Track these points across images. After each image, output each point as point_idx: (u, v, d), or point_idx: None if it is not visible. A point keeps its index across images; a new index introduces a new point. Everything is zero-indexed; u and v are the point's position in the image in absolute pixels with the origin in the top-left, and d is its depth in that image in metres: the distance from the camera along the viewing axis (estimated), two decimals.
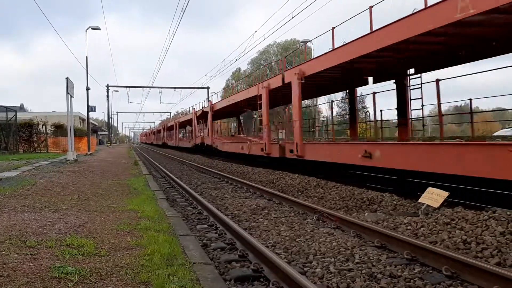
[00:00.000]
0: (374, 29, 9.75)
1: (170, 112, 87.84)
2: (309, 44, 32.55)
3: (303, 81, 13.50)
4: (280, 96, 18.74)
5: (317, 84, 15.81)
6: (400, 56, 10.91)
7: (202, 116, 32.05)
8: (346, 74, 13.67)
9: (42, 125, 31.41)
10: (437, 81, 10.52)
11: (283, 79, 15.05)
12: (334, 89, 19.60)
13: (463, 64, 10.96)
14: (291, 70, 14.56)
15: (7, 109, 26.72)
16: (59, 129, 33.54)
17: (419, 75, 11.81)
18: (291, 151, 14.29)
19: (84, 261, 4.25)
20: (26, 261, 4.19)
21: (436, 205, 7.38)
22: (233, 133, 36.35)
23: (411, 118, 12.99)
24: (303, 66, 13.70)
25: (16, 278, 3.70)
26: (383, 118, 13.72)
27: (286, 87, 14.77)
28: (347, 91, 16.95)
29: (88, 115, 37.15)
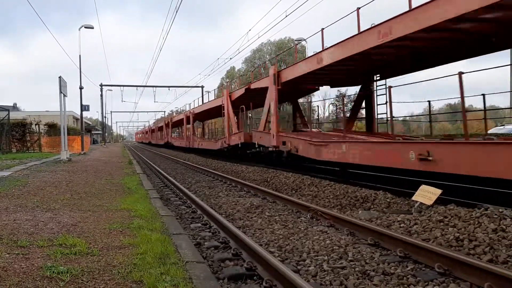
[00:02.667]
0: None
1: (164, 111, 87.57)
2: (303, 43, 32.55)
3: (194, 115, 33.87)
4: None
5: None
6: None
7: (168, 124, 49.83)
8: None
9: (35, 125, 31.19)
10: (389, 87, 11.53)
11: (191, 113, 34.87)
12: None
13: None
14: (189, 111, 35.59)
15: None
16: (52, 129, 33.36)
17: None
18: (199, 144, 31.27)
19: (76, 261, 4.23)
20: (17, 261, 4.16)
21: (429, 202, 7.41)
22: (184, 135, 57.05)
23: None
24: (194, 109, 33.20)
25: (7, 278, 3.67)
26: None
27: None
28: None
29: (81, 114, 36.95)
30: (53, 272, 3.80)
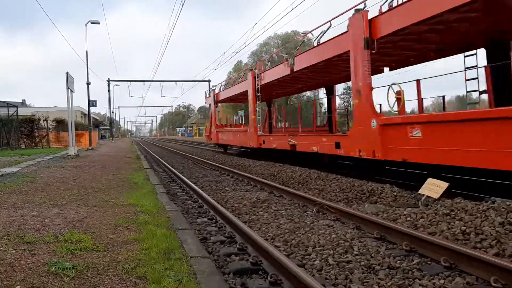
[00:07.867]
0: None
1: (172, 106, 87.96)
2: (309, 35, 32.33)
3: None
4: None
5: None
6: None
7: None
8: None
9: (44, 121, 31.45)
10: None
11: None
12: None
13: None
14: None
15: (8, 104, 26.79)
16: (61, 124, 33.58)
17: None
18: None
19: (82, 256, 4.25)
20: (23, 257, 4.20)
21: (436, 196, 7.36)
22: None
23: None
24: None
25: (13, 273, 3.71)
26: None
27: None
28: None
29: (89, 109, 37.18)
30: (59, 268, 3.83)
